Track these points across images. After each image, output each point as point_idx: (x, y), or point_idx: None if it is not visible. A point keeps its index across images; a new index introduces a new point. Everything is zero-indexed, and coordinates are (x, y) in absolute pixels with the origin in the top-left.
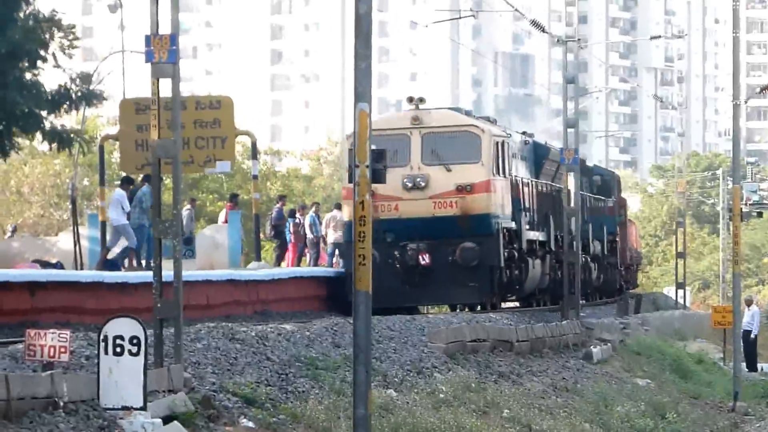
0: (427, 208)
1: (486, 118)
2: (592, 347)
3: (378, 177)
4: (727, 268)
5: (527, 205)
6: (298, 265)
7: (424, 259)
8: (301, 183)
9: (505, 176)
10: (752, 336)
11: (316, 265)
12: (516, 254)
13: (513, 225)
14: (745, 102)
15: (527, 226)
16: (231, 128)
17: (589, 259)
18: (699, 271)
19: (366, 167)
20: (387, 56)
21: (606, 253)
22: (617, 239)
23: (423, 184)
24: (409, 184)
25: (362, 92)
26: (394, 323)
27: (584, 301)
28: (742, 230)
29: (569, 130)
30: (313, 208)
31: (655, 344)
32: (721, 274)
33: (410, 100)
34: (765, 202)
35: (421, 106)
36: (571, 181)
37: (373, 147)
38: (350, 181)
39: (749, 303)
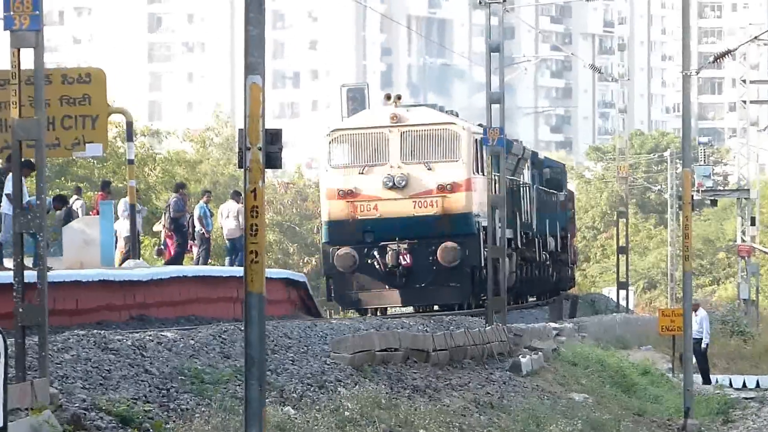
0: (408, 207)
1: (450, 112)
2: (520, 357)
3: (273, 161)
4: (676, 265)
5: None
6: (181, 263)
7: (405, 260)
8: (185, 168)
9: (483, 174)
10: (703, 345)
11: (206, 263)
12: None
13: (487, 223)
14: (697, 73)
15: (499, 224)
16: (103, 105)
17: (547, 257)
18: (644, 269)
19: (258, 150)
20: (282, 22)
21: (558, 250)
22: (568, 235)
23: (403, 183)
24: (389, 184)
25: (254, 63)
26: (292, 330)
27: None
28: (694, 221)
29: (493, 106)
30: (204, 198)
31: (594, 353)
32: (670, 272)
33: (388, 97)
34: (719, 188)
35: (398, 104)
36: (466, 154)
37: (268, 127)
38: (240, 166)
39: (695, 308)
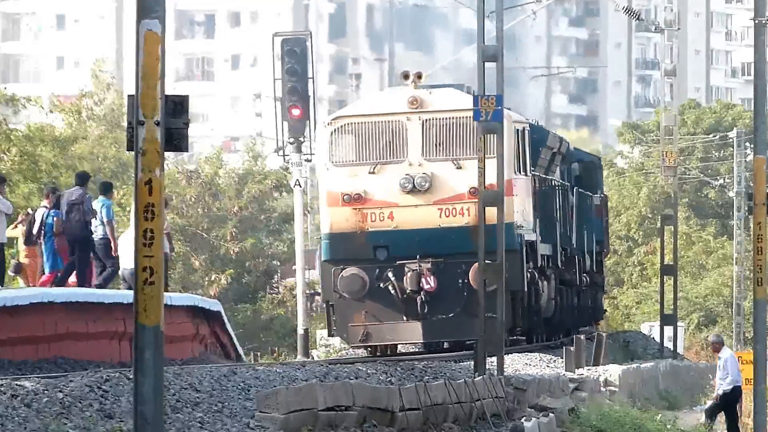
0: (432, 216)
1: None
2: (523, 420)
3: (176, 141)
4: (744, 292)
5: (537, 209)
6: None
7: (428, 283)
8: (52, 149)
9: (526, 174)
10: (720, 390)
11: (106, 285)
12: (535, 275)
13: (534, 237)
14: None
15: (540, 238)
16: None
17: (586, 279)
18: (699, 297)
19: (156, 125)
20: None
21: (594, 270)
22: (603, 251)
23: (426, 185)
24: (408, 186)
25: (150, 3)
26: (201, 379)
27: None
28: None
29: (488, 65)
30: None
31: (628, 416)
32: (735, 300)
33: (405, 76)
34: None
35: (419, 84)
36: (507, 149)
37: (170, 93)
38: (130, 148)
39: (718, 347)
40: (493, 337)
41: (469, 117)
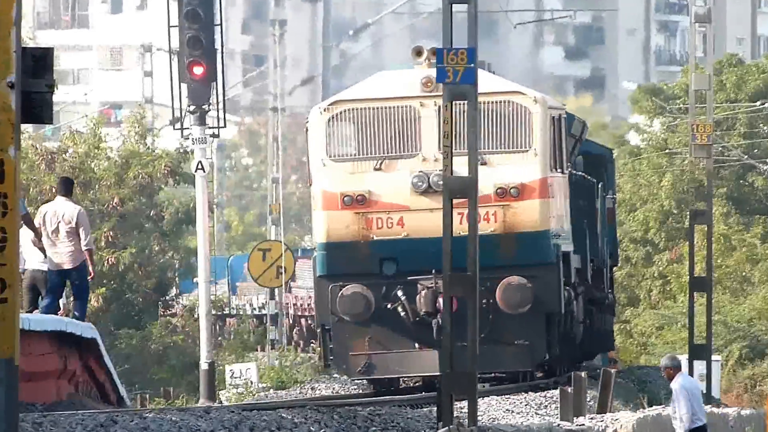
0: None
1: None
2: None
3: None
4: None
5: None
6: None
7: None
8: None
9: (563, 172)
10: None
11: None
12: (571, 294)
13: (571, 248)
14: None
15: (572, 248)
16: None
17: (611, 298)
18: (741, 321)
19: (9, 87)
20: None
21: (607, 286)
22: (618, 262)
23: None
24: (422, 186)
25: None
26: (70, 430)
27: (487, 385)
28: None
29: (457, 7)
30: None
31: None
32: None
33: (418, 52)
34: None
35: (434, 61)
36: (541, 141)
37: (32, 44)
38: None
39: (671, 373)
40: (461, 377)
41: (497, 102)
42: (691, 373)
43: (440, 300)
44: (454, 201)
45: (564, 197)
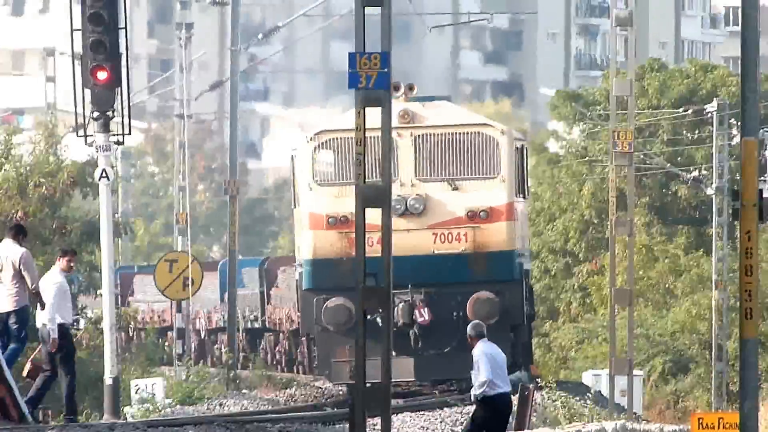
0: (426, 241)
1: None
2: None
3: None
4: (728, 328)
5: None
6: None
7: (422, 315)
8: None
9: (525, 197)
10: (472, 394)
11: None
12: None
13: (530, 265)
14: None
15: (530, 266)
16: None
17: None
18: (664, 335)
19: None
20: None
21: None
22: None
23: (419, 207)
24: (399, 208)
25: None
26: None
27: (399, 400)
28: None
29: (370, 10)
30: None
31: None
32: (715, 340)
33: (396, 87)
34: None
35: (411, 96)
36: (507, 169)
37: None
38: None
39: (474, 341)
40: (375, 391)
41: (468, 133)
42: (611, 388)
43: (416, 312)
44: (431, 224)
45: (525, 219)
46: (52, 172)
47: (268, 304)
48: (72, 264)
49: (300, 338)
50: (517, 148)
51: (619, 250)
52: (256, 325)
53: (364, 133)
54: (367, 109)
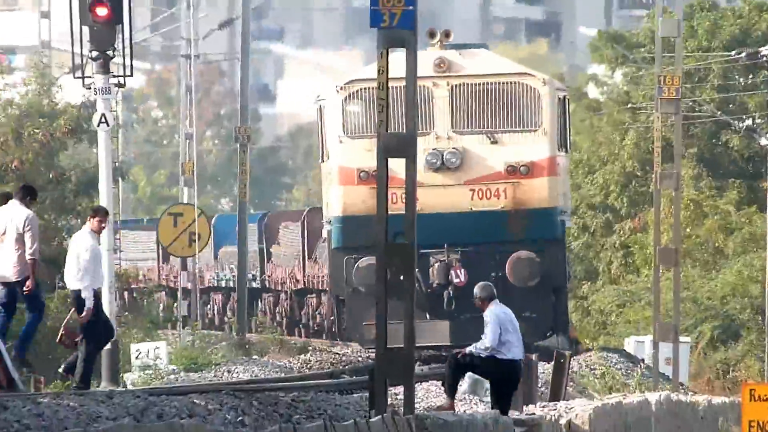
0: (463, 198)
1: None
2: None
3: None
4: None
5: None
6: None
7: (458, 276)
8: None
9: (566, 151)
10: (469, 350)
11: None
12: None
13: (571, 223)
14: None
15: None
16: None
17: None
18: (713, 298)
19: None
20: None
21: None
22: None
23: (456, 162)
24: (435, 162)
25: None
26: None
27: (424, 367)
28: None
29: None
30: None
31: None
32: None
33: (431, 34)
34: None
35: (446, 43)
36: (549, 121)
37: None
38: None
39: (485, 304)
40: (398, 357)
41: (507, 83)
42: (657, 356)
43: (452, 272)
44: (468, 179)
45: (567, 175)
46: (48, 117)
47: (268, 262)
48: (104, 225)
49: (329, 299)
50: (560, 98)
51: (665, 206)
52: (254, 285)
53: (387, 76)
54: (403, 56)
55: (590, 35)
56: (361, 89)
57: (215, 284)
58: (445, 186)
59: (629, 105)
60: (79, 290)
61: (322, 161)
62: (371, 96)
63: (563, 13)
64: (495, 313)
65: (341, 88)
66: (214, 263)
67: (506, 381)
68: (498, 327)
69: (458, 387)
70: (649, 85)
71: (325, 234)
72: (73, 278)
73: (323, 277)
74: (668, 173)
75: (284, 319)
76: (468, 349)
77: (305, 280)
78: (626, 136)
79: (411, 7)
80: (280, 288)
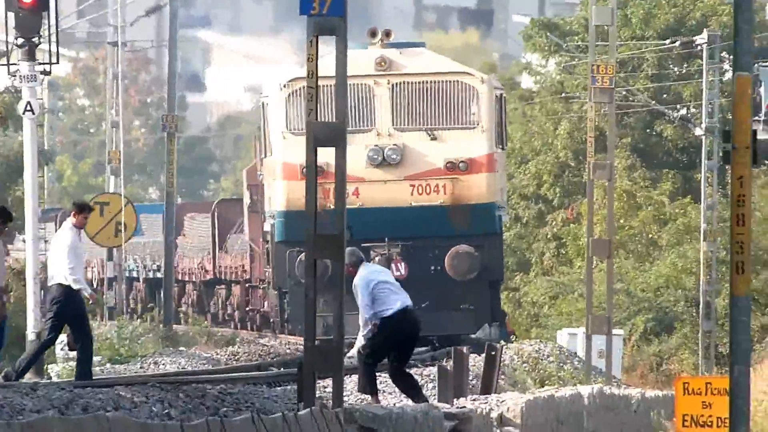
0: (403, 193)
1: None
2: None
3: None
4: (717, 284)
5: None
6: None
7: (399, 270)
8: None
9: (503, 147)
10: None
11: None
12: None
13: (506, 218)
14: None
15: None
16: None
17: None
18: (647, 290)
19: None
20: None
21: None
22: None
23: (396, 158)
24: (377, 159)
25: None
26: None
27: (354, 360)
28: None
29: None
30: None
31: None
32: (703, 296)
33: (372, 34)
34: None
35: (387, 42)
36: (487, 118)
37: None
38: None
39: (353, 270)
40: (327, 350)
41: (447, 82)
42: (588, 348)
43: (393, 265)
44: (408, 175)
45: (503, 171)
46: None
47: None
48: (87, 221)
49: (271, 291)
50: (497, 96)
51: (598, 196)
52: (159, 275)
53: (317, 65)
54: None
55: (523, 23)
56: (303, 86)
57: (114, 275)
58: (385, 181)
59: (562, 94)
60: (68, 286)
61: (265, 156)
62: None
63: (495, 1)
64: (361, 276)
65: (284, 86)
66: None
67: (408, 332)
68: (366, 290)
69: (375, 380)
70: (583, 74)
71: (267, 228)
72: (60, 274)
73: (236, 268)
74: (602, 164)
75: (190, 308)
76: (357, 342)
77: (215, 271)
78: (559, 125)
79: None
80: (187, 279)
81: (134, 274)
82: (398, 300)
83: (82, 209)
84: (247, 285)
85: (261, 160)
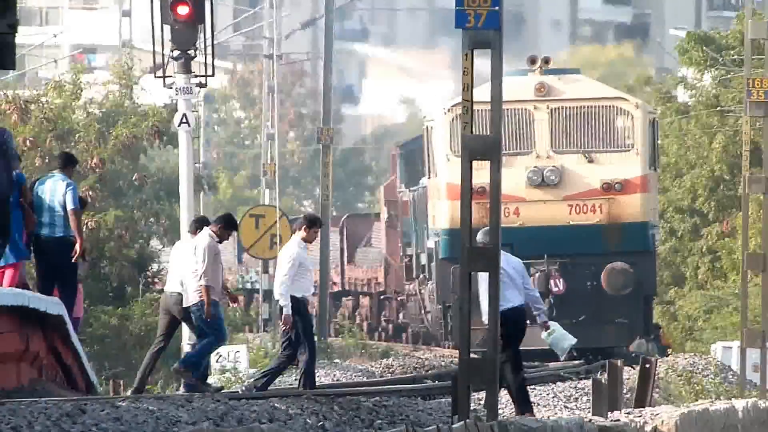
0: (561, 212)
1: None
2: None
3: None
4: None
5: None
6: None
7: (557, 285)
8: None
9: (655, 169)
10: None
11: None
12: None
13: (659, 236)
14: None
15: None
16: None
17: None
18: None
19: None
20: None
21: None
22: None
23: (555, 179)
24: (536, 180)
25: None
26: (31, 420)
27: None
28: None
29: None
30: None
31: None
32: None
33: (532, 61)
34: None
35: (546, 69)
36: (641, 142)
37: None
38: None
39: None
40: (482, 363)
41: (603, 106)
42: (743, 361)
43: (551, 281)
44: (566, 195)
45: (656, 192)
46: (132, 118)
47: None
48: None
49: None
50: (650, 121)
51: (753, 210)
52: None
53: (472, 79)
54: (507, 80)
55: (679, 37)
56: None
57: (239, 287)
58: (545, 201)
59: (718, 108)
60: (298, 298)
61: (429, 178)
62: (478, 117)
63: (652, 15)
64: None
65: (448, 110)
66: (237, 266)
67: (518, 329)
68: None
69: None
70: (738, 88)
71: (431, 245)
72: (276, 288)
73: (367, 280)
74: (757, 177)
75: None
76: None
77: (343, 282)
78: (714, 139)
79: (497, 8)
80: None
81: (255, 286)
82: (511, 296)
83: (314, 223)
84: (381, 297)
85: (417, 180)
